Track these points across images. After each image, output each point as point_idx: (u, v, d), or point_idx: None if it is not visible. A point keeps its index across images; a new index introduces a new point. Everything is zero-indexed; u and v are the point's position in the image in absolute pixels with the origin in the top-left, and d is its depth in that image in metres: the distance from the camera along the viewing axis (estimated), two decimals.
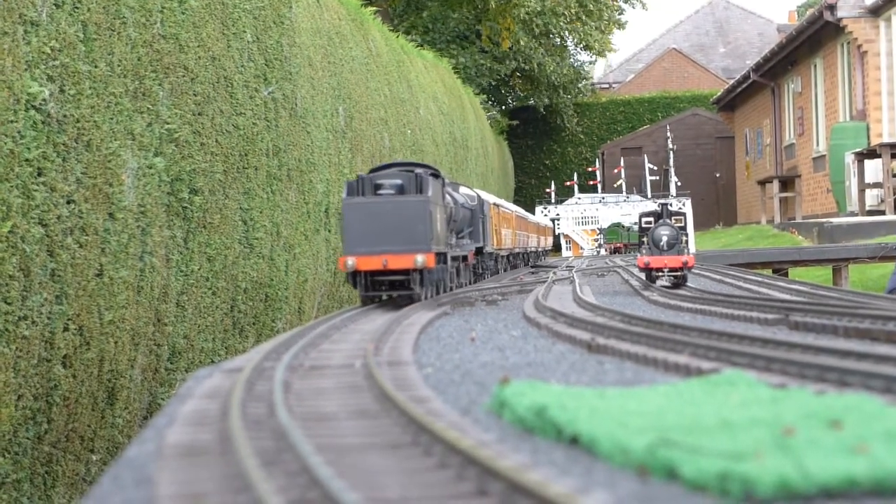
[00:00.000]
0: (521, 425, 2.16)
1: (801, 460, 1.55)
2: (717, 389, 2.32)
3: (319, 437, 1.82)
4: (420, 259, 4.91)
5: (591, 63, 43.55)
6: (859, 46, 27.87)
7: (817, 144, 32.01)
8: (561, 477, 1.51)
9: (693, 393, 2.32)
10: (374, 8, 18.61)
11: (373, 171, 5.57)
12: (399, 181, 5.51)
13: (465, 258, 7.30)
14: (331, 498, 1.34)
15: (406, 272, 5.30)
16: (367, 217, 5.26)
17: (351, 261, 4.75)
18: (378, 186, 5.52)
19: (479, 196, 8.51)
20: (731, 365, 2.62)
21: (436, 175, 5.79)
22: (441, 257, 5.50)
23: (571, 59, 40.05)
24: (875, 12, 26.49)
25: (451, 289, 6.04)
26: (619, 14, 37.60)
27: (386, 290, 5.35)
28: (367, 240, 5.35)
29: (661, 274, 6.49)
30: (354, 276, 5.26)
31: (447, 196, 7.13)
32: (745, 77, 40.07)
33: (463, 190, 8.23)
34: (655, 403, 2.16)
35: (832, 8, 27.86)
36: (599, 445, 1.86)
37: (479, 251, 8.30)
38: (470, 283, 7.37)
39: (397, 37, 19.46)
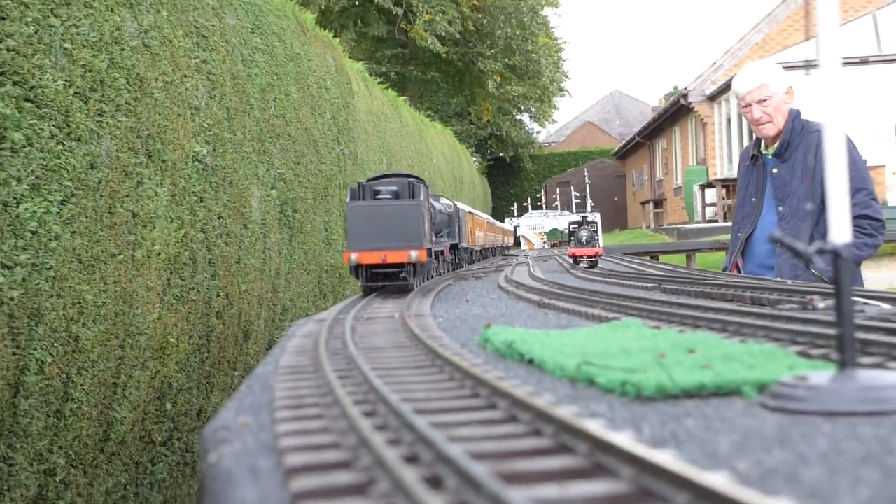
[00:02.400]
0: (498, 353, 2.18)
1: (671, 373, 1.59)
2: (618, 330, 2.35)
3: (373, 361, 1.81)
4: (414, 254, 4.25)
5: (538, 131, 43.52)
6: (702, 120, 27.92)
7: (676, 179, 32.00)
8: (523, 385, 1.52)
9: (604, 333, 2.33)
10: (404, 97, 18.49)
11: (370, 179, 5.00)
12: (395, 187, 4.57)
13: (442, 252, 6.85)
14: (382, 398, 1.36)
15: (401, 265, 4.48)
16: (367, 218, 4.37)
17: (354, 256, 4.12)
18: (377, 192, 4.55)
19: (455, 205, 8.09)
20: (627, 315, 2.62)
21: (423, 184, 5.17)
22: (429, 252, 4.99)
23: (526, 128, 39.90)
24: (712, 99, 26.66)
25: (432, 276, 5.65)
26: (557, 98, 37.65)
27: (383, 280, 4.68)
28: (367, 237, 4.37)
29: (582, 259, 6.46)
30: (357, 269, 4.42)
31: (430, 202, 6.54)
32: (632, 139, 40.12)
33: (443, 200, 7.82)
34: (580, 339, 2.18)
35: (685, 96, 28.20)
36: (546, 365, 1.88)
37: (455, 247, 7.78)
38: (448, 272, 6.92)
39: (419, 114, 19.44)
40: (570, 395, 1.60)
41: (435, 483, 0.93)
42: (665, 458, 0.93)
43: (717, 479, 0.86)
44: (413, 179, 4.50)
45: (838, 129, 1.57)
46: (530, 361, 1.97)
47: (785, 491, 1.03)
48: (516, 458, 1.05)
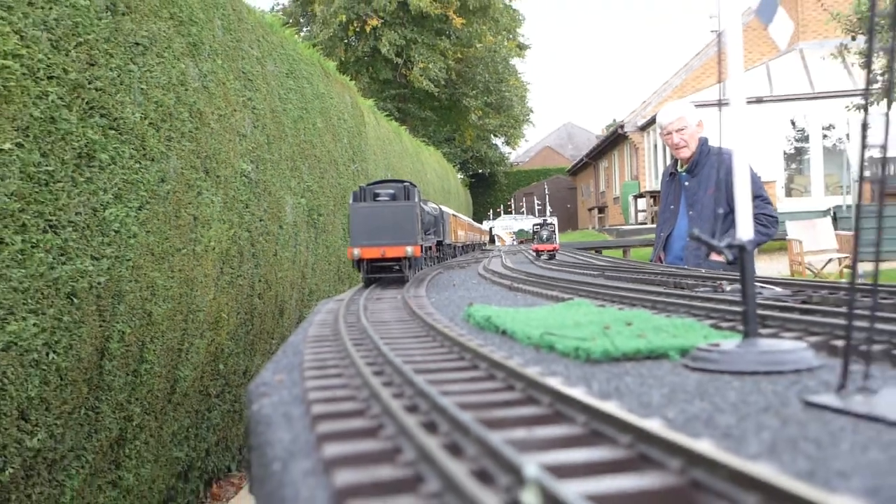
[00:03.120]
0: (479, 326, 2.15)
1: (613, 341, 1.58)
2: (572, 308, 2.32)
3: (381, 332, 1.79)
4: (409, 249, 3.95)
5: (509, 153, 43.51)
6: (634, 145, 27.84)
7: (615, 191, 31.93)
8: (498, 350, 1.50)
9: (561, 310, 2.30)
10: (404, 127, 18.42)
11: (370, 184, 4.70)
12: (392, 190, 4.21)
13: (431, 247, 6.62)
14: (388, 361, 1.34)
15: (398, 260, 4.17)
16: (368, 217, 4.04)
17: (357, 251, 3.80)
18: (376, 195, 4.20)
19: (440, 208, 7.81)
20: (578, 296, 2.61)
21: (416, 188, 4.82)
22: (422, 247, 4.66)
23: (499, 150, 39.79)
24: (642, 129, 26.59)
25: (422, 268, 5.39)
26: (522, 125, 37.56)
27: (382, 273, 4.38)
28: (368, 235, 4.03)
29: (543, 253, 6.41)
30: (359, 262, 4.09)
31: (421, 205, 6.27)
32: (581, 160, 39.99)
33: (430, 204, 7.58)
34: (542, 315, 2.16)
35: (622, 127, 28.07)
36: (516, 335, 1.86)
37: (440, 243, 7.44)
38: (435, 264, 6.61)
39: (416, 139, 19.37)
40: (535, 358, 1.59)
41: (431, 428, 0.91)
42: (610, 407, 0.92)
43: (652, 424, 0.85)
44: (407, 184, 4.13)
45: (744, 151, 1.56)
46: (504, 332, 1.96)
47: (704, 434, 1.01)
48: (494, 407, 1.04)
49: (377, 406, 1.02)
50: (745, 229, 1.49)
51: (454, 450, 0.81)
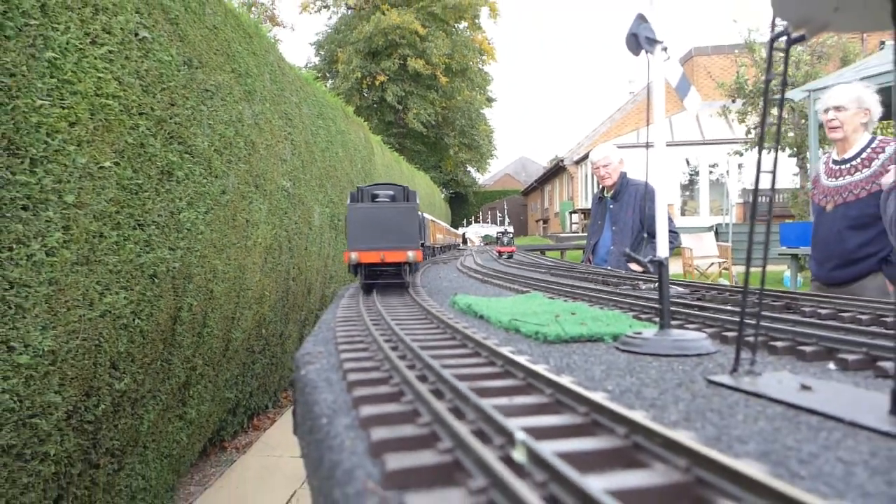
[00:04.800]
0: (461, 311, 2.10)
1: (563, 327, 1.54)
2: (530, 299, 2.27)
3: (391, 315, 1.76)
4: (411, 254, 3.06)
5: (479, 178, 43.50)
6: (571, 175, 27.92)
7: (556, 208, 32.07)
8: (479, 332, 1.48)
9: (521, 300, 2.25)
10: (403, 156, 18.32)
11: (368, 185, 3.57)
12: (391, 192, 3.36)
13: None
14: (398, 337, 1.31)
15: (399, 264, 3.24)
16: (367, 219, 3.13)
17: (354, 255, 2.94)
18: (375, 196, 3.39)
19: (422, 214, 7.44)
20: (534, 289, 2.57)
21: (415, 191, 4.16)
22: (423, 252, 3.93)
23: (472, 175, 39.69)
24: (577, 163, 26.63)
25: (418, 269, 4.81)
26: (488, 159, 37.63)
27: (381, 278, 3.41)
28: (367, 238, 3.08)
29: (504, 254, 6.34)
30: (356, 267, 3.21)
31: None
32: (532, 185, 40.16)
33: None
34: (508, 304, 2.11)
35: (562, 160, 28.19)
36: (490, 319, 1.82)
37: (423, 245, 6.93)
38: (422, 261, 6.04)
39: (411, 165, 19.34)
40: (506, 338, 1.57)
41: (438, 394, 0.89)
42: (568, 382, 0.90)
43: (598, 396, 0.82)
44: (406, 186, 3.19)
45: (661, 182, 1.54)
46: (481, 317, 1.93)
47: (636, 404, 0.97)
48: (481, 379, 1.01)
49: (397, 376, 1.00)
50: (662, 248, 1.46)
51: (458, 413, 0.79)
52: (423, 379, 0.96)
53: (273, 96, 5.10)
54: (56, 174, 2.48)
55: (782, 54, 0.88)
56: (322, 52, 30.00)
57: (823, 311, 1.73)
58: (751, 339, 1.22)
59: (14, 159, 2.32)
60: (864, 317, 1.58)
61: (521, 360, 1.04)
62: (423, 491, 0.54)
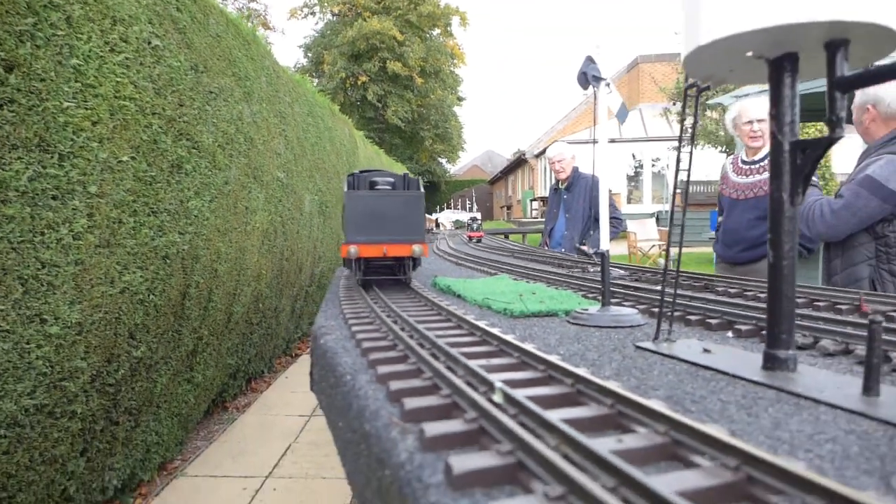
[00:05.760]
0: (441, 291, 2.10)
1: (526, 305, 1.60)
2: (498, 280, 2.29)
3: (386, 295, 1.74)
4: (417, 248, 2.11)
5: (450, 168, 43.28)
6: (531, 167, 28.08)
7: (518, 195, 32.24)
8: (458, 309, 1.48)
9: (491, 281, 2.27)
10: (383, 149, 18.19)
11: (362, 171, 2.48)
12: (391, 179, 2.38)
13: None
14: (396, 313, 1.29)
15: (401, 259, 2.28)
16: (368, 208, 2.10)
17: (353, 248, 2.02)
18: (373, 183, 2.34)
19: None
20: (501, 271, 2.73)
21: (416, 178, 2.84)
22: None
23: (444, 166, 39.42)
24: (536, 156, 26.79)
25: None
26: (459, 151, 37.52)
27: (381, 274, 2.48)
28: (368, 229, 2.07)
29: (473, 238, 6.22)
30: (355, 262, 2.22)
31: None
32: (497, 175, 40.24)
33: None
34: (480, 285, 2.13)
35: (524, 154, 28.23)
36: (466, 298, 1.84)
37: None
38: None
39: (390, 157, 19.16)
40: (480, 314, 1.63)
41: (435, 357, 0.98)
42: (530, 346, 1.00)
43: (553, 358, 0.91)
44: (406, 173, 2.41)
45: (605, 176, 1.60)
46: (458, 296, 1.97)
47: (581, 364, 1.04)
48: (465, 346, 1.10)
49: (402, 344, 1.08)
50: (605, 241, 1.56)
51: (451, 370, 0.89)
52: (421, 346, 1.06)
53: (269, 97, 5.11)
54: (81, 168, 2.53)
55: (694, 97, 1.05)
56: (310, 55, 29.46)
57: (732, 290, 1.91)
58: (668, 313, 1.36)
59: (45, 155, 2.36)
60: (762, 294, 1.76)
61: (495, 331, 1.15)
62: (433, 421, 0.69)
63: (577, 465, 0.52)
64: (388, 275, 2.24)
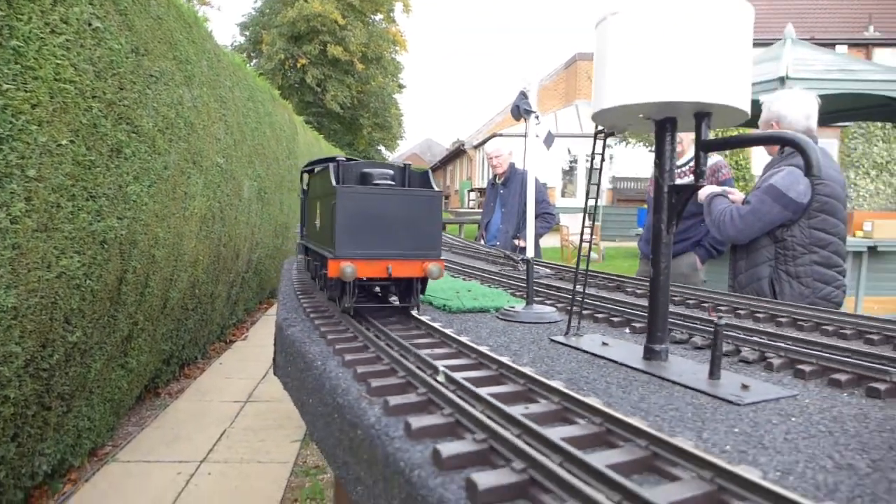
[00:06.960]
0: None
1: (462, 301, 1.65)
2: (454, 281, 2.19)
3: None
4: (434, 268, 1.19)
5: (388, 156, 42.88)
6: (470, 157, 28.35)
7: (457, 185, 32.43)
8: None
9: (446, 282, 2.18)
10: (322, 134, 17.91)
11: (349, 160, 1.38)
12: (391, 172, 1.32)
13: None
14: (354, 307, 1.31)
15: (408, 280, 1.31)
16: (368, 212, 1.12)
17: (349, 267, 1.09)
18: (367, 177, 1.29)
19: None
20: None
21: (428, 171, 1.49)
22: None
23: (383, 154, 38.96)
24: (475, 147, 27.03)
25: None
26: (398, 139, 37.32)
27: (378, 301, 1.45)
28: (366, 240, 1.13)
29: None
30: (345, 284, 1.22)
31: None
32: (437, 165, 40.20)
33: None
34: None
35: (463, 145, 28.47)
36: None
37: None
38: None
39: (329, 143, 18.86)
40: (423, 309, 1.66)
41: (391, 346, 1.09)
42: (465, 339, 1.15)
43: (483, 348, 1.07)
44: (409, 164, 1.45)
45: (535, 173, 1.66)
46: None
47: (505, 353, 1.18)
48: (412, 338, 1.20)
49: (361, 336, 1.20)
50: (530, 249, 1.70)
51: (404, 357, 1.05)
52: (378, 338, 1.19)
53: (210, 81, 5.06)
54: (20, 151, 2.52)
55: (602, 140, 1.32)
56: (247, 33, 28.43)
57: (639, 291, 2.20)
58: (577, 311, 1.59)
59: None
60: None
61: (437, 325, 1.28)
62: (394, 396, 0.91)
63: (497, 422, 0.76)
64: (384, 302, 1.50)
